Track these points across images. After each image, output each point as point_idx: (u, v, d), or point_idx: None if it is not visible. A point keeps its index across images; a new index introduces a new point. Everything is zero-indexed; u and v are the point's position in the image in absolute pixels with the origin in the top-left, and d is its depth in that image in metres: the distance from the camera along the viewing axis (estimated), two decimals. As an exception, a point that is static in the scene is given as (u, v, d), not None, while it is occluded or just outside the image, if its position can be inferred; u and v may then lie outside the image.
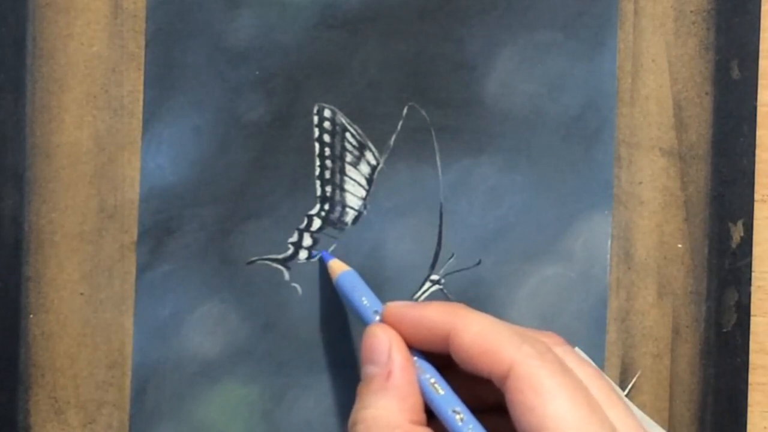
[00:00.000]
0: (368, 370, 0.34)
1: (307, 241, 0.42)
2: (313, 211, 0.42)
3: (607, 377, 0.34)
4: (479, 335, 0.33)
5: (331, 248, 0.42)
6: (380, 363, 0.34)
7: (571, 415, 0.30)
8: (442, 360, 0.34)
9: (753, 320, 0.42)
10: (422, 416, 0.33)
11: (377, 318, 0.36)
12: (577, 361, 0.33)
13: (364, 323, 0.37)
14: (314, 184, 0.42)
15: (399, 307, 0.35)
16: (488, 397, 0.34)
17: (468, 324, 0.33)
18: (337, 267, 0.40)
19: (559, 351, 0.33)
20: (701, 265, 0.42)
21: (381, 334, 0.35)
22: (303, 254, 0.42)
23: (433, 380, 0.34)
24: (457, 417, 0.33)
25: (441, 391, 0.34)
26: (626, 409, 0.32)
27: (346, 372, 0.42)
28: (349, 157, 0.42)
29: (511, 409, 0.31)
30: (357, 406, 0.34)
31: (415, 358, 0.34)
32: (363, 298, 0.37)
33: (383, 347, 0.34)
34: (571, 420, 0.30)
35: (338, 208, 0.42)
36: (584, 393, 0.31)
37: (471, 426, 0.32)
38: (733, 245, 0.42)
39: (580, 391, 0.31)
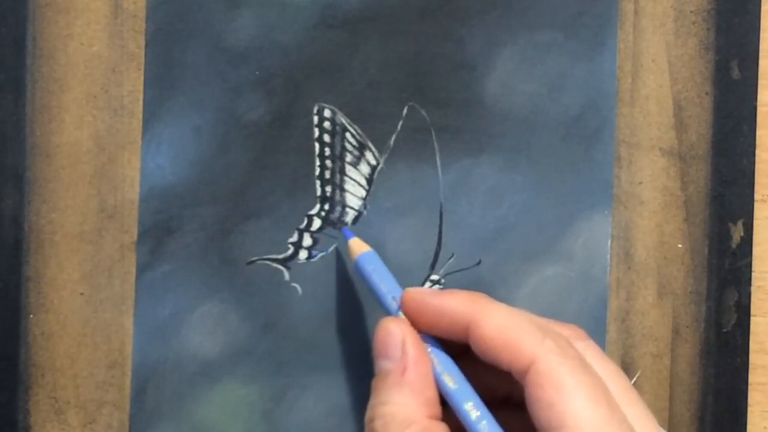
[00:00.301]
0: (383, 364, 0.34)
1: (307, 241, 0.42)
2: (313, 211, 0.42)
3: (625, 375, 0.33)
4: (501, 328, 0.32)
5: (331, 248, 0.42)
6: (395, 358, 0.34)
7: (590, 413, 0.30)
8: (458, 348, 0.34)
9: (753, 320, 0.42)
10: (438, 409, 0.33)
11: (395, 304, 0.36)
12: (598, 357, 0.33)
13: (381, 307, 0.36)
14: (314, 184, 0.42)
15: (419, 294, 0.35)
16: (502, 389, 0.34)
17: (490, 315, 0.33)
18: (358, 247, 0.39)
19: (580, 346, 0.33)
20: (701, 265, 0.42)
21: (394, 329, 0.34)
22: (303, 254, 0.42)
23: (448, 373, 0.34)
24: (473, 413, 0.33)
25: (456, 385, 0.33)
26: (644, 409, 0.32)
27: (347, 372, 0.42)
28: (349, 157, 0.42)
29: (530, 404, 0.31)
30: (373, 401, 0.33)
31: (430, 348, 0.34)
32: (382, 282, 0.37)
33: (397, 341, 0.34)
34: (590, 418, 0.30)
35: (338, 208, 0.42)
36: (604, 391, 0.31)
37: (485, 422, 0.32)
38: (733, 245, 0.42)
39: (600, 390, 0.31)
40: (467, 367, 0.34)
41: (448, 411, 0.34)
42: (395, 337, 0.34)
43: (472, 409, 0.33)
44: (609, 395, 0.31)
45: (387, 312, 0.36)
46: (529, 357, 0.31)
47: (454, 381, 0.33)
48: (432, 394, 0.33)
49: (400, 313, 0.35)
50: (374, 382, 0.34)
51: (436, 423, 0.33)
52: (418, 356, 0.34)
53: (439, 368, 0.34)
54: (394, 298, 0.36)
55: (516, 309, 0.33)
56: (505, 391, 0.34)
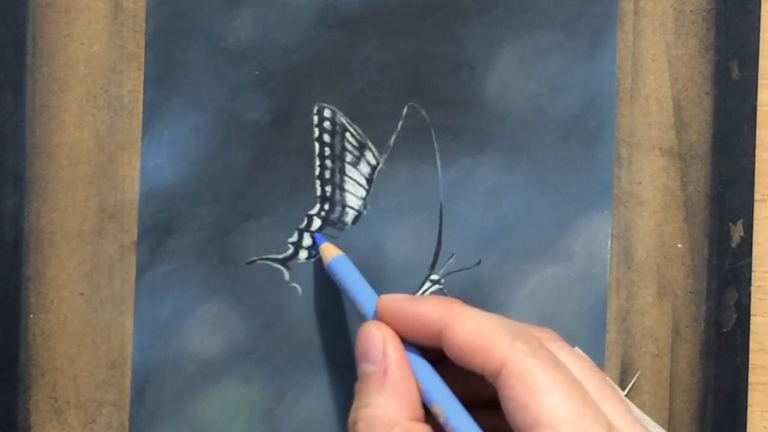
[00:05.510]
0: (364, 368, 0.34)
1: (307, 241, 0.42)
2: (313, 211, 0.42)
3: (602, 372, 0.34)
4: (472, 332, 0.33)
5: (331, 248, 0.42)
6: (376, 361, 0.34)
7: (565, 410, 0.30)
8: (437, 353, 0.34)
9: (753, 320, 0.42)
10: (420, 412, 0.33)
11: (368, 308, 0.36)
12: (571, 356, 0.33)
13: (356, 312, 0.37)
14: (314, 184, 0.42)
15: (392, 301, 0.35)
16: (484, 392, 0.34)
17: (461, 321, 0.33)
18: (329, 252, 0.40)
19: (552, 347, 0.33)
20: (701, 265, 0.42)
21: (375, 332, 0.34)
22: (303, 254, 0.42)
23: (424, 377, 0.34)
24: (443, 414, 0.33)
25: (435, 387, 0.34)
26: (621, 404, 0.32)
27: (346, 372, 0.42)
28: (349, 157, 0.42)
29: (505, 406, 0.31)
30: (356, 404, 0.34)
31: (409, 353, 0.34)
32: (355, 287, 0.37)
33: (378, 345, 0.34)
34: (566, 415, 0.30)
35: (338, 208, 0.42)
36: (578, 388, 0.31)
37: (465, 423, 0.32)
38: (733, 245, 0.42)
39: (574, 387, 0.31)
40: (448, 372, 0.34)
41: (431, 418, 0.34)
42: (376, 340, 0.34)
43: (443, 410, 0.33)
44: (583, 391, 0.31)
45: (361, 315, 0.36)
46: (501, 359, 0.32)
47: (429, 384, 0.34)
48: (414, 397, 0.33)
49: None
50: (357, 386, 0.34)
51: (419, 425, 0.33)
52: (399, 359, 0.34)
53: (415, 371, 0.34)
54: (369, 303, 0.36)
55: (489, 313, 0.34)
56: (486, 394, 0.34)
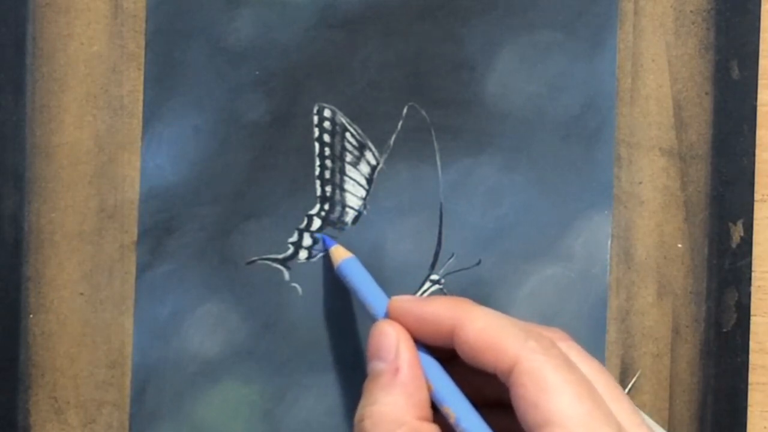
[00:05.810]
0: (376, 365, 0.34)
1: (307, 241, 0.42)
2: (313, 211, 0.42)
3: (609, 373, 0.34)
4: (483, 330, 0.33)
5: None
6: (388, 359, 0.34)
7: (575, 410, 0.30)
8: (447, 353, 0.34)
9: (753, 320, 0.42)
10: (429, 412, 0.33)
11: (379, 310, 0.36)
12: (581, 357, 0.33)
13: (366, 313, 0.37)
14: (314, 184, 0.42)
15: (403, 302, 0.35)
16: (493, 392, 0.34)
17: (472, 319, 0.33)
18: (339, 254, 0.40)
19: (563, 346, 0.33)
20: (701, 265, 0.42)
21: (389, 330, 0.35)
22: (303, 254, 0.42)
23: (434, 377, 0.34)
24: (454, 415, 0.33)
25: (445, 388, 0.34)
26: (630, 405, 0.32)
27: (347, 372, 0.42)
28: (349, 157, 0.42)
29: (516, 404, 0.31)
30: (364, 401, 0.34)
31: (420, 353, 0.34)
32: (366, 288, 0.37)
33: (391, 343, 0.34)
34: (576, 415, 0.30)
35: (338, 208, 0.42)
36: (589, 388, 0.31)
37: (475, 424, 0.32)
38: (733, 245, 0.42)
39: (585, 387, 0.31)
40: (457, 372, 0.34)
41: (439, 418, 0.34)
42: (390, 338, 0.34)
43: (454, 411, 0.33)
44: (594, 391, 0.31)
45: (371, 317, 0.36)
46: (513, 357, 0.32)
47: (440, 384, 0.34)
48: (423, 397, 0.33)
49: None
50: (366, 384, 0.34)
51: (427, 425, 0.33)
52: (412, 359, 0.34)
53: (426, 371, 0.34)
54: (380, 305, 0.36)
55: (498, 312, 0.34)
56: (495, 394, 0.35)
